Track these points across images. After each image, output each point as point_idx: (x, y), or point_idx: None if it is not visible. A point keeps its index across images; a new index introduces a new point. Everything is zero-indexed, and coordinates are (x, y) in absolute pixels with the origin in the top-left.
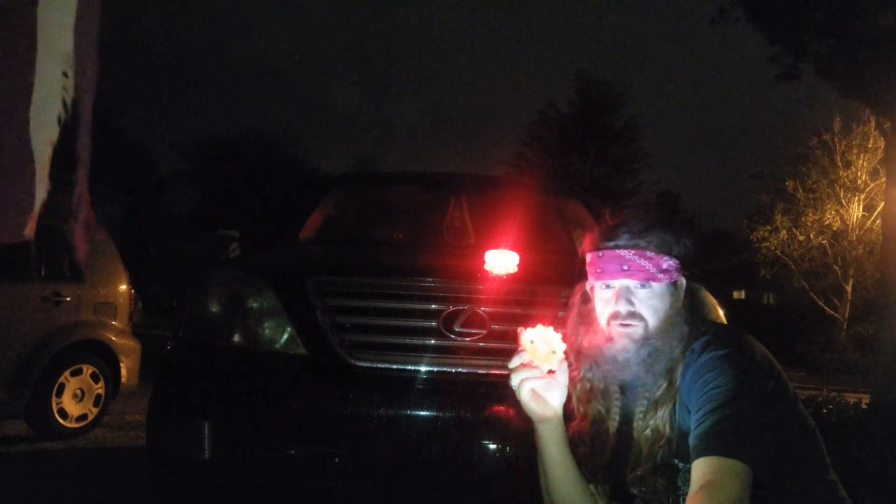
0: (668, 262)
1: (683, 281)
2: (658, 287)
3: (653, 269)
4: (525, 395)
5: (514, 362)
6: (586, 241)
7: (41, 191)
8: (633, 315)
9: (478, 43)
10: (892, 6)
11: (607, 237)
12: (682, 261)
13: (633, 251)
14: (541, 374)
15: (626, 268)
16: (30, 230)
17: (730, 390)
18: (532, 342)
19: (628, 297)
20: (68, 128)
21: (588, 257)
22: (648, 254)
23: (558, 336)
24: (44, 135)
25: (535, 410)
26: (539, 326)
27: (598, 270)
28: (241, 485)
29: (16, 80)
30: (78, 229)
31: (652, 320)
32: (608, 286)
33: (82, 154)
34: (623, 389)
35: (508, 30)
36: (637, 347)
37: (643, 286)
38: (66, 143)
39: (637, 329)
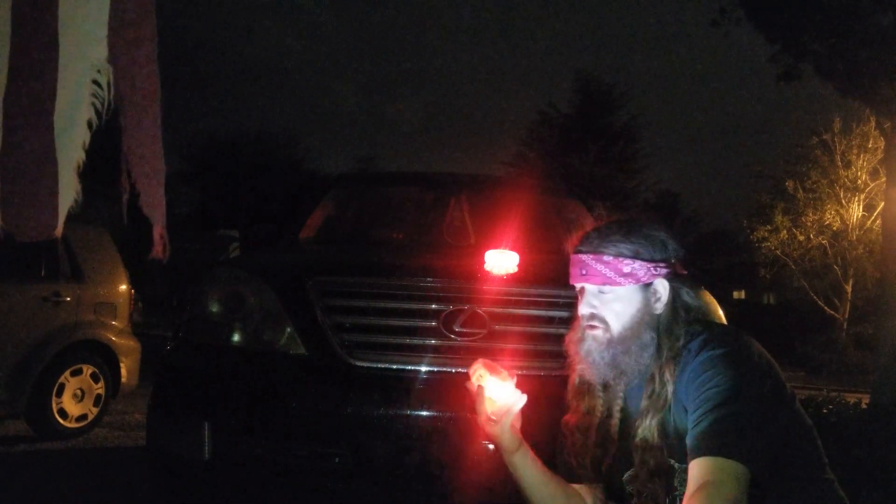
0: (630, 266)
1: (664, 283)
2: (622, 290)
3: (610, 274)
4: (508, 428)
5: (483, 408)
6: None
7: (69, 192)
8: (594, 317)
9: (478, 43)
10: (892, 6)
11: (577, 241)
12: (665, 262)
13: (591, 255)
14: (519, 397)
15: (584, 272)
16: (59, 231)
17: (727, 390)
18: (490, 374)
19: (589, 300)
20: (111, 135)
21: None
22: (605, 258)
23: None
24: (70, 139)
25: (516, 440)
26: (480, 361)
27: (569, 274)
28: (241, 485)
29: (37, 84)
30: (156, 234)
31: (615, 323)
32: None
33: (153, 166)
34: (606, 387)
35: (509, 29)
36: (601, 350)
37: (604, 289)
38: (107, 151)
39: (599, 331)
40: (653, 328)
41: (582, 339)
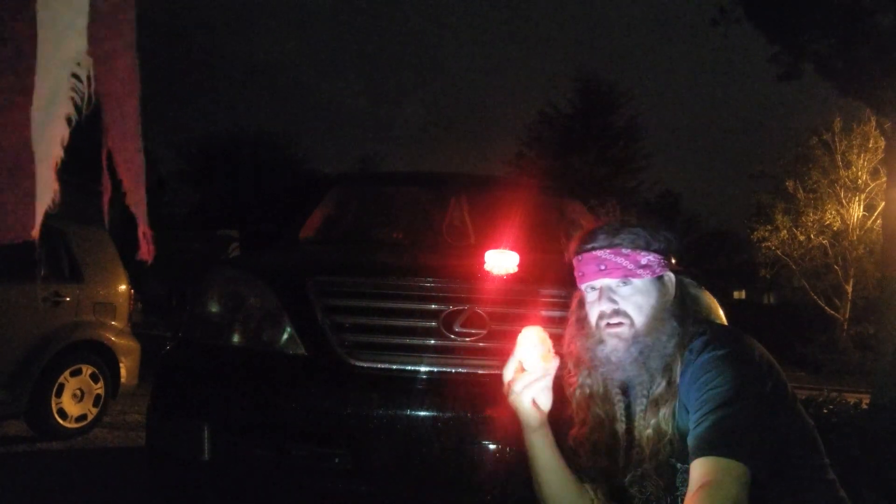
0: (647, 258)
1: (671, 276)
2: (640, 283)
3: (630, 266)
4: (527, 403)
5: (510, 370)
6: (570, 249)
7: (47, 191)
8: (618, 313)
9: (478, 42)
10: (892, 6)
11: (585, 241)
12: (667, 255)
13: (608, 250)
14: (542, 376)
15: (602, 267)
16: (35, 231)
17: (728, 391)
18: (533, 344)
19: (610, 296)
20: (91, 132)
21: (573, 263)
22: (624, 251)
23: (546, 335)
24: (48, 135)
25: (535, 417)
26: (535, 328)
27: (580, 274)
28: (241, 485)
29: (15, 79)
30: (140, 235)
31: (637, 317)
32: (592, 288)
33: (134, 162)
34: (624, 390)
35: (509, 29)
36: (627, 346)
37: (624, 283)
38: (89, 148)
39: (624, 327)
40: (670, 319)
41: (601, 342)
